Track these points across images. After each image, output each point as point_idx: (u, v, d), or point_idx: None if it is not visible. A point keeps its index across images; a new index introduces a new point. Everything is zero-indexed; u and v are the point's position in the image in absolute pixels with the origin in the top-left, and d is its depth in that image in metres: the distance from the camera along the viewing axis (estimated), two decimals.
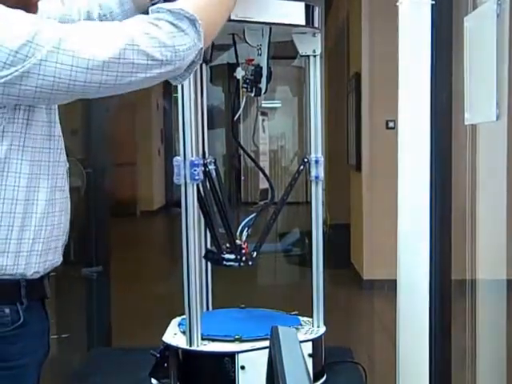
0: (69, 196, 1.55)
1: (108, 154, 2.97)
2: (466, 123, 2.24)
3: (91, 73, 1.24)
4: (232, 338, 1.67)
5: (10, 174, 1.37)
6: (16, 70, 1.23)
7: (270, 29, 1.70)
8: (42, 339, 1.52)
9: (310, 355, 1.70)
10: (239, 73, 1.74)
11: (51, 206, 1.45)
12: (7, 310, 1.39)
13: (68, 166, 1.58)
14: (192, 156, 1.61)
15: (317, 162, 1.81)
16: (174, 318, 1.86)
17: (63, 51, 1.23)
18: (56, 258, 1.50)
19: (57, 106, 1.51)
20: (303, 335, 1.75)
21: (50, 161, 1.45)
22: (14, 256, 1.39)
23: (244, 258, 1.74)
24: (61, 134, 1.53)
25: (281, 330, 1.14)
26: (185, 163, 1.60)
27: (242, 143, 1.95)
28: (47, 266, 1.47)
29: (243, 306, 1.95)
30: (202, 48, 1.34)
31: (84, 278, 2.83)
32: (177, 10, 1.29)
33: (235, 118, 1.78)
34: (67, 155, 1.64)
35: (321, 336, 1.77)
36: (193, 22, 1.30)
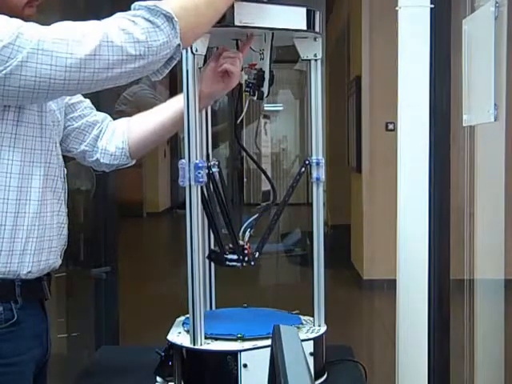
0: (63, 198, 1.56)
1: None
2: (464, 125, 2.26)
3: (70, 70, 1.28)
4: (235, 337, 1.68)
5: (0, 173, 1.40)
6: None
7: (273, 34, 1.71)
8: (39, 339, 1.53)
9: (311, 354, 1.71)
10: (242, 77, 1.75)
11: (43, 207, 1.47)
12: (0, 308, 1.42)
13: (66, 171, 1.60)
14: (196, 159, 1.63)
15: (318, 163, 1.83)
16: (179, 317, 1.88)
17: (42, 51, 1.27)
18: (52, 259, 1.52)
19: (48, 110, 1.54)
20: (304, 334, 1.76)
21: (41, 162, 1.47)
22: (7, 255, 1.41)
23: (246, 258, 1.75)
24: (53, 136, 1.55)
25: (282, 328, 1.16)
26: (189, 166, 1.63)
27: (244, 146, 1.97)
28: (42, 267, 1.49)
29: (246, 305, 1.97)
30: (179, 45, 1.37)
31: (93, 278, 2.85)
32: (153, 6, 1.33)
33: (238, 121, 1.80)
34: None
35: (322, 335, 1.78)
36: (169, 18, 1.33)
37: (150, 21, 1.33)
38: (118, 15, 1.35)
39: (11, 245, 1.42)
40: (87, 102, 1.76)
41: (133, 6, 1.36)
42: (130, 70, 1.34)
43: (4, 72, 1.28)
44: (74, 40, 1.29)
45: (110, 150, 1.77)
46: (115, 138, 1.77)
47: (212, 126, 1.90)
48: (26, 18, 1.39)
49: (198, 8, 1.43)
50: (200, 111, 1.72)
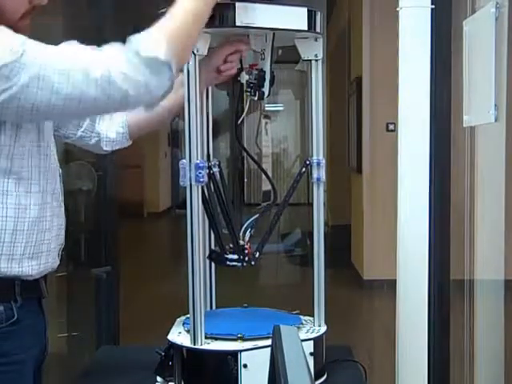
0: (61, 200, 1.57)
1: (117, 157, 2.98)
2: (464, 125, 2.25)
3: (69, 100, 1.31)
4: (235, 337, 1.69)
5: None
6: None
7: (273, 34, 1.72)
8: (38, 337, 1.54)
9: (311, 354, 1.72)
10: (243, 77, 1.76)
11: (43, 211, 1.48)
12: (1, 308, 1.43)
13: (60, 171, 1.60)
14: (197, 159, 1.64)
15: (318, 164, 1.83)
16: (179, 316, 1.88)
17: (43, 77, 1.28)
18: (50, 261, 1.52)
19: None
20: (304, 334, 1.76)
21: (40, 166, 1.48)
22: (7, 259, 1.42)
23: (247, 258, 1.76)
24: (51, 139, 1.56)
25: (283, 328, 1.16)
26: (190, 166, 1.63)
27: (245, 146, 1.97)
28: (42, 269, 1.50)
29: (246, 305, 1.97)
30: (173, 81, 1.40)
31: (93, 278, 2.86)
32: (153, 56, 1.34)
33: (239, 122, 1.80)
34: (80, 159, 1.67)
35: (322, 335, 1.79)
36: (168, 64, 1.36)
37: (150, 67, 1.34)
38: (120, 50, 1.35)
39: (11, 249, 1.42)
40: None
41: (129, 40, 1.37)
42: (125, 107, 1.40)
43: (6, 92, 1.28)
44: (77, 70, 1.31)
45: (111, 136, 1.80)
46: (114, 122, 1.79)
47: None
48: (21, 29, 1.41)
49: (188, 29, 1.44)
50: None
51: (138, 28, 1.38)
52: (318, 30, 1.75)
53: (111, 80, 1.31)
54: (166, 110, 1.76)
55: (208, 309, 1.93)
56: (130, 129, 1.81)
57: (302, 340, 1.44)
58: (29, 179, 1.45)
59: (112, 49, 1.36)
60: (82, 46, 1.36)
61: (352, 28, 7.22)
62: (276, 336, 1.15)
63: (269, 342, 1.43)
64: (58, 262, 1.57)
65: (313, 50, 1.79)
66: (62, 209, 1.57)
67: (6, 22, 1.38)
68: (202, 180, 1.64)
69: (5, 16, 1.39)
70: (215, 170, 1.78)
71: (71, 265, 3.33)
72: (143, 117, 1.79)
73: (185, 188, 1.65)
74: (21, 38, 1.32)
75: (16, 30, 1.40)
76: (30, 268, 1.46)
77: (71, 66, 1.31)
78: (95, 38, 2.54)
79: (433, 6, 1.95)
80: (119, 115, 1.80)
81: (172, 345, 1.71)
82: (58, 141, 1.68)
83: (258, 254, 1.78)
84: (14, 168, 1.41)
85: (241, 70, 1.77)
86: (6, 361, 1.43)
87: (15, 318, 1.44)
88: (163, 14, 1.41)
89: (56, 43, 1.36)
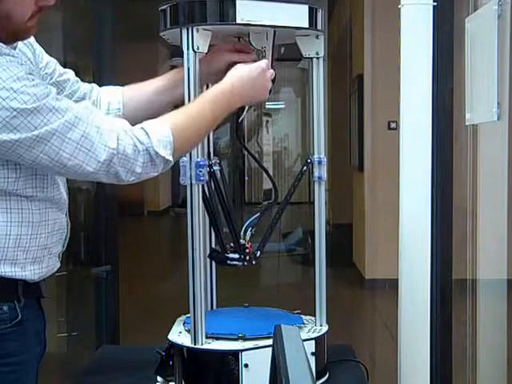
0: (64, 202, 1.56)
1: None
2: (467, 123, 2.25)
3: (65, 169, 1.38)
4: (235, 337, 1.68)
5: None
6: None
7: (274, 31, 1.71)
8: (39, 336, 1.55)
9: (312, 354, 1.72)
10: None
11: (45, 215, 1.48)
12: (5, 308, 1.43)
13: (65, 179, 1.60)
14: (197, 157, 1.63)
15: (320, 162, 1.82)
16: (180, 316, 1.88)
17: (51, 145, 1.33)
18: (51, 265, 1.53)
19: None
20: (306, 334, 1.76)
21: (46, 173, 1.47)
22: (11, 263, 1.42)
23: (248, 258, 1.75)
24: None
25: (284, 328, 1.16)
26: (190, 164, 1.63)
27: (246, 144, 1.96)
28: (44, 273, 1.50)
29: (247, 304, 1.96)
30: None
31: (94, 277, 2.85)
32: (161, 155, 1.42)
33: (240, 120, 1.80)
34: None
35: (323, 335, 1.78)
36: (170, 163, 1.46)
37: (151, 158, 1.42)
38: (132, 133, 1.42)
39: (15, 254, 1.42)
40: (71, 74, 1.73)
41: (141, 126, 1.43)
42: (103, 181, 1.45)
43: (17, 137, 1.30)
44: (84, 148, 1.35)
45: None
46: (110, 111, 1.75)
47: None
48: (28, 30, 1.43)
49: (200, 131, 1.55)
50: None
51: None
52: (319, 27, 1.74)
53: (110, 165, 1.38)
54: (167, 105, 1.75)
55: (209, 308, 1.93)
56: (127, 116, 1.72)
57: (304, 340, 1.43)
58: (34, 187, 1.45)
59: (123, 130, 1.41)
60: (95, 117, 1.40)
61: (353, 25, 7.21)
62: (277, 336, 1.14)
63: (270, 341, 1.42)
64: (58, 265, 1.57)
65: (314, 48, 1.78)
66: (65, 214, 1.56)
67: (14, 26, 1.40)
68: (202, 178, 1.63)
69: (13, 20, 1.39)
70: (216, 168, 1.77)
71: (71, 264, 3.32)
72: (140, 103, 1.75)
73: (185, 186, 1.64)
74: (44, 90, 1.34)
75: (24, 31, 1.43)
76: (32, 272, 1.46)
77: (80, 140, 1.35)
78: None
79: (435, 4, 1.94)
80: (115, 101, 1.75)
81: (172, 344, 1.71)
82: None
83: (258, 253, 1.78)
84: (18, 190, 1.42)
85: None
86: (11, 361, 1.43)
87: (19, 318, 1.44)
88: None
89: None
